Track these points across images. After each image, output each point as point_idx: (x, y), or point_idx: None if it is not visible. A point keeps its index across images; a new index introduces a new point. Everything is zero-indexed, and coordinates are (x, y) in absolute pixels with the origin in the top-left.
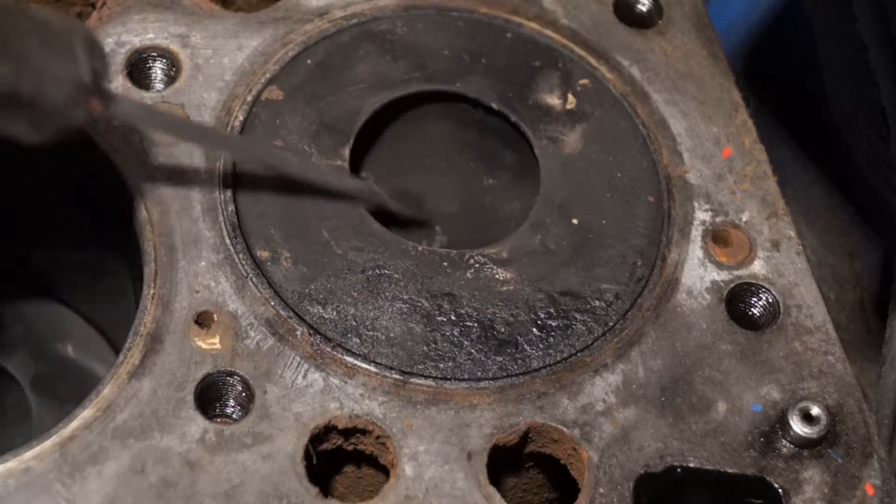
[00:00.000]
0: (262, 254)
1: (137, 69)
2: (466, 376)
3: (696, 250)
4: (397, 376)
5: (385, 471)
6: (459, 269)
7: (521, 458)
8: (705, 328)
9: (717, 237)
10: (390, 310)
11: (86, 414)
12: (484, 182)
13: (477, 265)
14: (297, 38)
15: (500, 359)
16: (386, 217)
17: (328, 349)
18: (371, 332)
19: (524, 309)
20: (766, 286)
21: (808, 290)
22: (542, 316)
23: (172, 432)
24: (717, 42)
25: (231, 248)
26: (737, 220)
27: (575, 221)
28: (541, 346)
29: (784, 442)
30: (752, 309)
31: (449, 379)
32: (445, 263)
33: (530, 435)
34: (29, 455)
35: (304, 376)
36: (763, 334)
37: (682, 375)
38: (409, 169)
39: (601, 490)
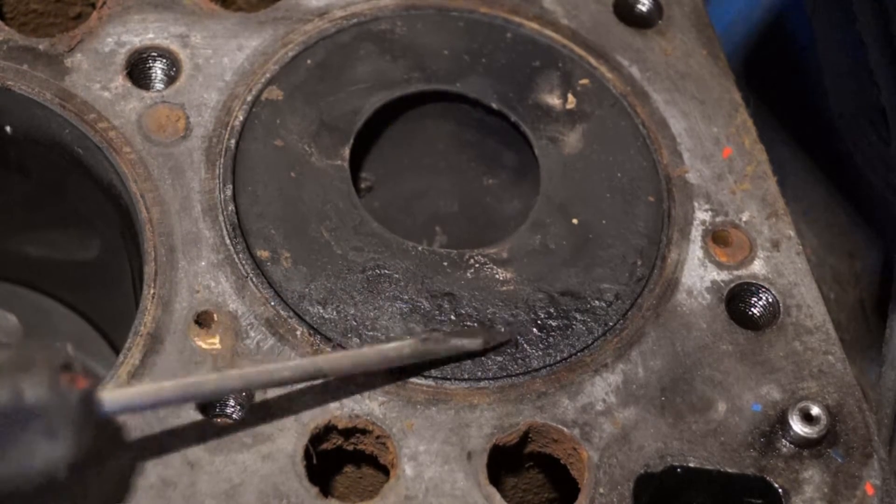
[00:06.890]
0: (262, 254)
1: (137, 69)
2: (466, 376)
3: (696, 250)
4: (397, 376)
5: (385, 471)
6: (459, 269)
7: (521, 458)
8: (705, 328)
9: (717, 237)
10: (390, 310)
11: None
12: (484, 182)
13: (477, 265)
14: (297, 38)
15: (500, 359)
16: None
17: (328, 349)
18: (371, 332)
19: (524, 309)
20: (766, 286)
21: (808, 290)
22: (542, 316)
23: (172, 432)
24: (717, 42)
25: (231, 248)
26: (737, 219)
27: (575, 221)
28: (541, 345)
29: (784, 442)
30: (752, 309)
31: (449, 379)
32: (445, 263)
33: (530, 435)
34: None
35: None
36: (763, 334)
37: (682, 375)
38: (409, 169)
39: (601, 490)
